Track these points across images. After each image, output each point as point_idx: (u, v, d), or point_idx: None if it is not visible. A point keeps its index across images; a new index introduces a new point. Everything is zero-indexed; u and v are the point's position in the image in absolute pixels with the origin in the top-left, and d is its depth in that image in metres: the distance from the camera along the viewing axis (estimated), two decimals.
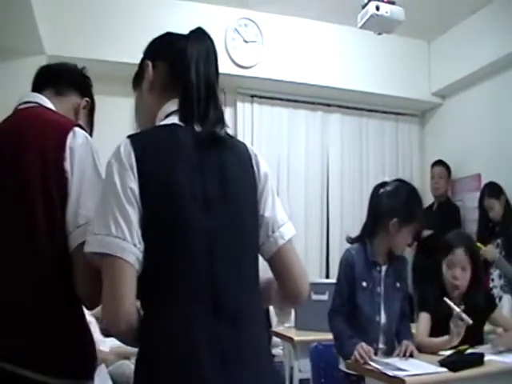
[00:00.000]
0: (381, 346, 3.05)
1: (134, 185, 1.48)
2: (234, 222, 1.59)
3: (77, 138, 1.80)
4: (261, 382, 1.57)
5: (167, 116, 1.65)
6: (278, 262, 1.75)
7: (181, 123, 1.61)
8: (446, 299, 3.06)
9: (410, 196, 3.15)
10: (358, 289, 3.06)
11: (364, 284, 3.05)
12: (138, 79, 1.81)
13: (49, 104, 1.97)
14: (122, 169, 1.50)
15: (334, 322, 3.12)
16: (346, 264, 3.14)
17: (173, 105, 1.66)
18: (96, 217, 1.51)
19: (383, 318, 3.06)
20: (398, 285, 3.12)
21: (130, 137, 1.57)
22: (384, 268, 3.11)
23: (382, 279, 3.09)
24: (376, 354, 2.98)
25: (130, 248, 1.45)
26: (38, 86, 2.07)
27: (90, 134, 1.94)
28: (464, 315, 2.98)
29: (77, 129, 1.83)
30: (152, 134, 1.63)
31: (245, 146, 1.74)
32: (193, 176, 1.55)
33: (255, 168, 1.70)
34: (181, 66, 1.66)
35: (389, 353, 3.02)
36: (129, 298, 1.45)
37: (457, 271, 3.26)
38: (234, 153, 1.67)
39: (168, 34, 1.83)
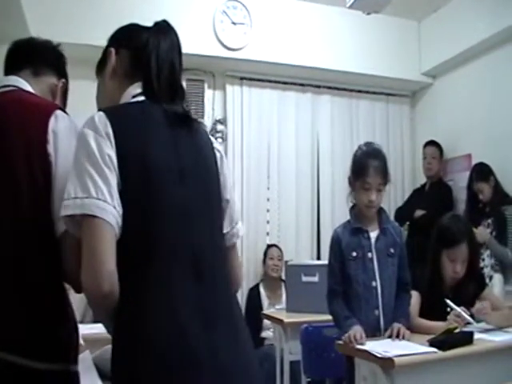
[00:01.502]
0: (381, 321, 3.05)
1: (111, 152, 1.50)
2: (205, 193, 1.68)
3: (59, 121, 1.79)
4: (238, 340, 1.63)
5: (134, 97, 1.70)
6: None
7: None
8: (447, 300, 3.09)
9: (364, 152, 3.20)
10: (348, 261, 3.08)
11: (354, 254, 3.08)
12: (101, 66, 1.85)
13: (28, 87, 1.95)
14: (98, 136, 1.51)
15: (332, 305, 3.12)
16: (334, 242, 3.18)
17: (137, 87, 1.72)
18: (72, 181, 1.50)
19: (379, 283, 3.06)
20: (391, 250, 3.12)
21: (102, 110, 1.60)
22: (373, 234, 3.13)
23: (373, 245, 3.10)
24: (379, 331, 3.03)
25: (111, 210, 1.46)
26: (14, 65, 2.02)
27: (65, 112, 1.91)
28: (465, 315, 3.01)
29: (58, 112, 1.82)
30: (125, 109, 1.67)
31: (205, 128, 1.87)
32: (167, 149, 1.60)
33: (215, 150, 1.80)
34: (143, 54, 1.71)
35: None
36: (111, 258, 1.45)
37: (458, 266, 3.27)
38: (199, 133, 1.76)
39: (133, 24, 1.88)
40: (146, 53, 1.70)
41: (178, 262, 1.54)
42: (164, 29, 1.78)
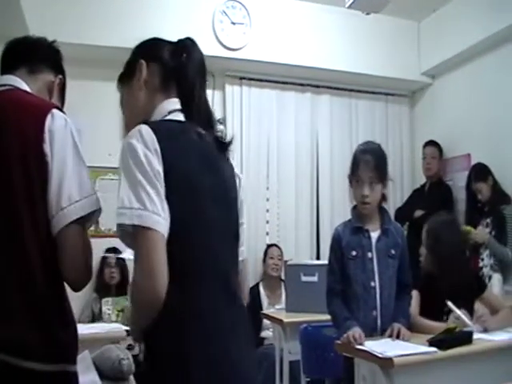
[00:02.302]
0: (379, 321, 3.03)
1: (159, 168, 1.57)
2: (231, 218, 1.80)
3: (56, 120, 1.80)
4: (253, 356, 1.88)
5: (170, 113, 1.75)
6: None
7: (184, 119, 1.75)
8: (448, 302, 3.08)
9: (359, 149, 3.21)
10: (348, 259, 3.06)
11: (354, 253, 3.06)
12: (126, 76, 1.88)
13: (24, 86, 1.94)
14: (147, 151, 1.57)
15: (331, 305, 3.10)
16: (334, 241, 3.17)
17: (174, 104, 1.78)
18: (125, 191, 1.56)
19: (378, 284, 3.04)
20: (392, 251, 3.09)
21: (146, 123, 1.65)
22: (374, 234, 3.10)
23: (373, 245, 3.07)
24: (375, 331, 3.01)
25: (163, 223, 1.54)
26: (10, 64, 2.02)
27: (62, 111, 1.91)
28: (465, 318, 3.01)
29: (55, 111, 1.82)
30: (168, 126, 1.71)
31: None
32: (203, 171, 1.68)
33: (235, 175, 1.88)
34: (176, 71, 1.81)
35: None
36: (165, 268, 1.53)
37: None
38: (225, 159, 1.85)
39: (159, 39, 1.92)
40: (179, 70, 1.80)
41: (213, 284, 1.65)
42: (190, 46, 1.84)
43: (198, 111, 1.77)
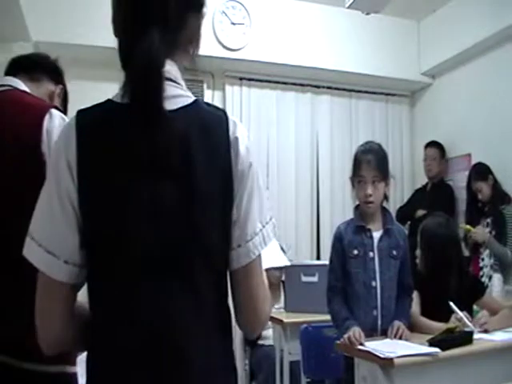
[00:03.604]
0: (379, 321, 3.04)
1: (71, 185, 1.21)
2: (193, 238, 1.24)
3: (54, 119, 1.80)
4: None
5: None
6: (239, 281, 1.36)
7: (127, 101, 1.21)
8: (450, 303, 3.08)
9: (360, 149, 3.23)
10: (349, 258, 3.08)
11: (355, 252, 3.07)
12: None
13: (23, 86, 1.96)
14: (60, 160, 1.22)
15: (332, 304, 3.11)
16: (335, 239, 3.18)
17: None
18: (35, 212, 1.25)
19: (379, 284, 3.04)
20: (394, 252, 3.10)
21: (78, 113, 1.26)
22: (376, 234, 3.11)
23: (375, 245, 3.09)
24: (376, 331, 3.02)
25: (60, 266, 1.21)
26: (11, 71, 2.05)
27: (61, 110, 1.92)
28: (466, 320, 3.01)
29: (53, 110, 1.83)
30: (102, 114, 1.27)
31: (225, 126, 1.34)
32: (141, 176, 1.22)
33: (232, 157, 1.33)
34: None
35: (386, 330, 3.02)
36: (56, 323, 1.25)
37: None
38: (204, 138, 1.27)
39: None
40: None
41: (138, 343, 1.21)
42: None
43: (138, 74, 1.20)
